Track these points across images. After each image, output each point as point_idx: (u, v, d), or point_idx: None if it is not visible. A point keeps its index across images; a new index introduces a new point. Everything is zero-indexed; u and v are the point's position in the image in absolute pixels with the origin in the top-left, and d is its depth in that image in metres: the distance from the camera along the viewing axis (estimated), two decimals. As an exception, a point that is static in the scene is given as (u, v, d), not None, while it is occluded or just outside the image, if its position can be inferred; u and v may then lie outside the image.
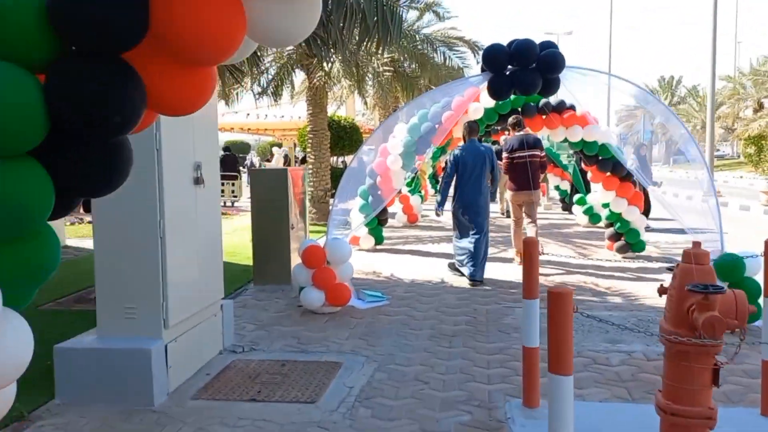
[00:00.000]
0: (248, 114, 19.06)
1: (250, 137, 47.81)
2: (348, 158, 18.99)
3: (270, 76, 12.42)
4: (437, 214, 8.01)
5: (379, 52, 10.97)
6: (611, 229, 9.16)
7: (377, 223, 9.70)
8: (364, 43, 6.68)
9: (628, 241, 8.96)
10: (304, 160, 26.51)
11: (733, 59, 45.43)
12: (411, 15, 13.55)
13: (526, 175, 8.08)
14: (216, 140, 4.80)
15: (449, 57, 12.79)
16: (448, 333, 5.37)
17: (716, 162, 41.16)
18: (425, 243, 10.48)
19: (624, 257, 8.95)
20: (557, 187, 15.95)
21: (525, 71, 6.39)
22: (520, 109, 8.74)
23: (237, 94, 13.46)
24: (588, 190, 12.75)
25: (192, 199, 4.32)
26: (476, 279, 7.20)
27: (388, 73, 10.89)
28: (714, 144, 24.44)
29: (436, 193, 22.89)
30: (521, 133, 8.43)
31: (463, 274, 7.46)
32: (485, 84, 7.28)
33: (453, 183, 7.49)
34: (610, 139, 8.87)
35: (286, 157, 23.75)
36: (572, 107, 8.80)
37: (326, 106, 13.21)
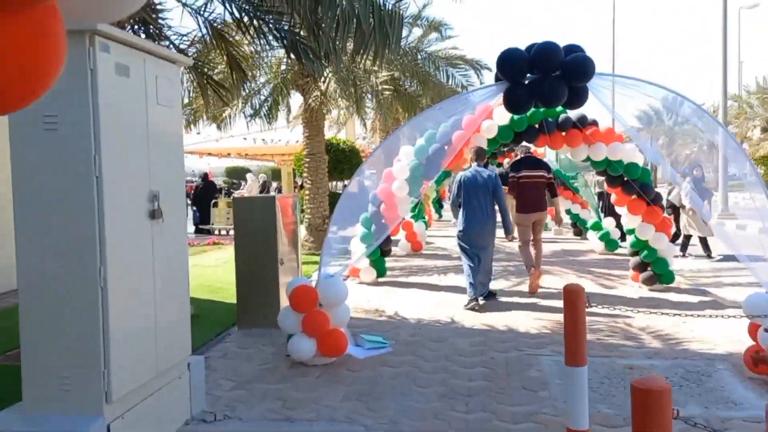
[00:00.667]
0: (245, 138, 18.34)
1: (252, 163, 47.12)
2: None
3: (263, 97, 11.66)
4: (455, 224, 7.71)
5: (377, 65, 10.23)
6: (636, 258, 8.29)
7: (380, 253, 8.87)
8: (360, 53, 5.87)
9: (656, 271, 8.10)
10: (302, 187, 24.90)
11: (737, 78, 44.72)
12: (413, 33, 12.90)
13: (533, 196, 7.89)
14: (181, 163, 3.98)
15: (452, 75, 12.04)
16: (462, 391, 4.49)
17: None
18: (431, 274, 9.62)
19: (651, 289, 8.08)
20: (568, 211, 15.10)
21: (548, 79, 5.55)
22: (537, 126, 7.94)
23: (230, 116, 12.70)
24: (608, 214, 11.91)
25: (146, 236, 3.49)
26: (471, 300, 7.16)
27: (387, 92, 10.13)
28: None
29: (440, 218, 22.08)
30: (526, 154, 8.57)
31: (476, 305, 7.19)
32: (499, 98, 6.48)
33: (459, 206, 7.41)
34: (637, 157, 8.06)
35: (264, 184, 21.99)
36: (594, 122, 8.01)
37: (323, 128, 12.45)
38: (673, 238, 9.45)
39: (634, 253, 8.37)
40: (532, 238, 8.12)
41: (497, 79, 5.95)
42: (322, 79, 10.33)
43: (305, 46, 6.39)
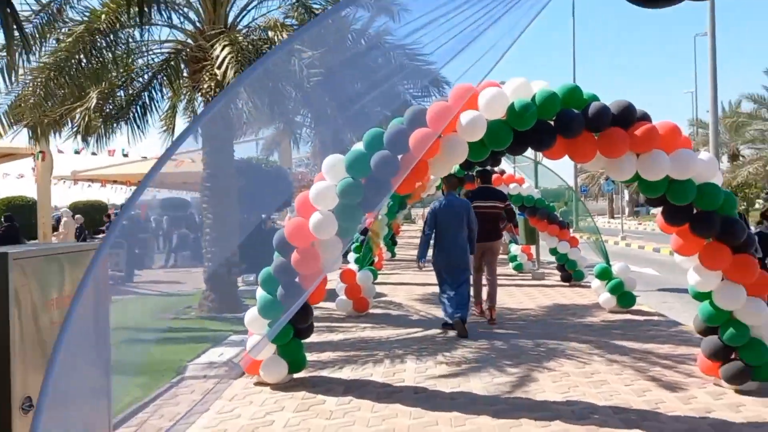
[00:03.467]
0: (145, 158, 14.66)
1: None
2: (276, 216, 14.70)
3: (135, 91, 8.11)
4: (419, 267, 7.85)
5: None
6: (713, 340, 5.07)
7: (293, 333, 5.38)
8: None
9: (747, 361, 4.91)
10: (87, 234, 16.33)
11: (693, 104, 43.39)
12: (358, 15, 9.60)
13: (484, 226, 7.91)
14: None
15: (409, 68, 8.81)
16: None
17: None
18: (380, 358, 6.15)
19: (740, 391, 4.89)
20: (554, 251, 11.95)
21: None
22: (553, 122, 4.68)
23: (112, 126, 8.98)
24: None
25: None
26: (452, 320, 7.21)
27: (315, 78, 6.85)
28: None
29: (393, 257, 18.71)
30: (484, 185, 8.61)
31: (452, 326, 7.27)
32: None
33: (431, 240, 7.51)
34: (716, 175, 4.93)
35: (81, 228, 14.93)
36: (645, 116, 4.81)
37: (231, 143, 9.02)
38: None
39: (707, 331, 5.16)
40: (485, 269, 8.28)
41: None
42: (218, 63, 6.93)
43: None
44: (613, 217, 51.10)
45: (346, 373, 5.62)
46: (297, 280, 5.17)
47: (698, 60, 47.97)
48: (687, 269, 5.14)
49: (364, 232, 10.17)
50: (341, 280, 8.71)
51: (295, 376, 5.48)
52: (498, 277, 8.50)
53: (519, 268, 14.25)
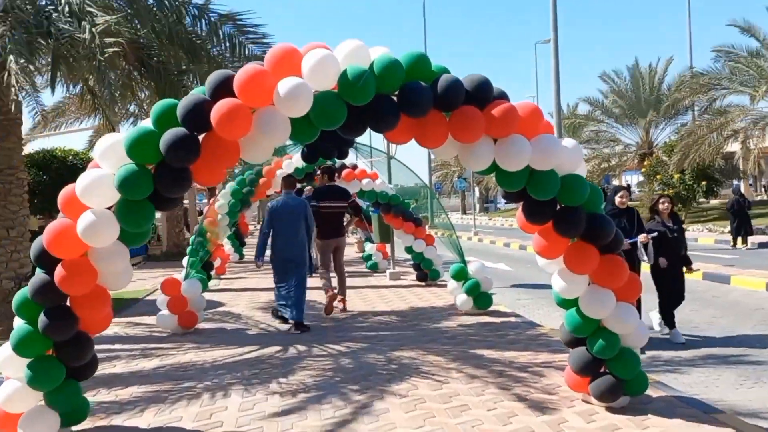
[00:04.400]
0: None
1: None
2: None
3: None
4: (257, 266, 7.61)
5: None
6: (581, 352, 4.46)
7: (66, 373, 4.01)
8: None
9: (618, 375, 4.35)
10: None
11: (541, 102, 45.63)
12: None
13: (333, 224, 8.18)
14: None
15: (242, 45, 7.55)
16: None
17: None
18: (213, 389, 4.94)
19: (612, 409, 4.33)
20: (409, 249, 11.30)
21: None
22: (396, 97, 3.76)
23: None
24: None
25: None
26: (298, 320, 7.25)
27: (111, 50, 5.42)
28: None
29: (241, 259, 17.27)
30: (330, 183, 8.64)
31: (286, 320, 7.47)
32: None
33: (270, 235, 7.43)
34: (581, 165, 4.31)
35: None
36: (503, 95, 4.03)
37: (19, 127, 7.32)
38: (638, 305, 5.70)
39: (575, 342, 4.54)
40: (333, 263, 8.41)
41: None
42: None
43: None
44: (465, 213, 52.77)
45: (148, 419, 4.36)
46: (67, 303, 3.85)
47: (539, 66, 50.76)
48: (551, 273, 4.50)
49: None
50: (163, 291, 7.34)
51: (75, 428, 4.14)
52: (352, 278, 9.23)
53: (374, 267, 13.56)
